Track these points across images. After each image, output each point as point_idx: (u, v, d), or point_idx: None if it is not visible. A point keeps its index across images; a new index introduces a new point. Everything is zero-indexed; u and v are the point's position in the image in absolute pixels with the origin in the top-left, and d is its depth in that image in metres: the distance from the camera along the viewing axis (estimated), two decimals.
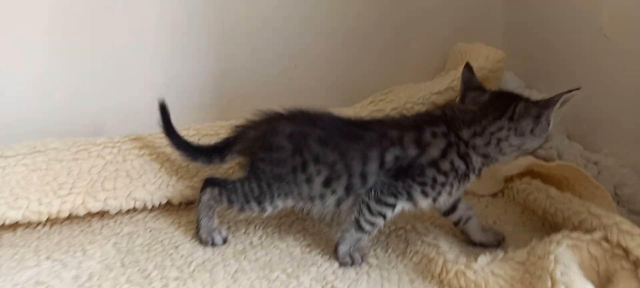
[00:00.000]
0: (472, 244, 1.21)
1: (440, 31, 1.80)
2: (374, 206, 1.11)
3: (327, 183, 1.12)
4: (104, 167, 1.35)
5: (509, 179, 1.43)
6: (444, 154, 1.08)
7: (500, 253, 1.09)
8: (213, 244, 1.21)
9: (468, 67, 1.17)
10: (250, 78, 1.67)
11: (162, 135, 1.41)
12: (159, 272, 1.13)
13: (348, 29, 1.72)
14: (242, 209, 1.20)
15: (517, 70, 1.81)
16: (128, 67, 1.56)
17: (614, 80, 1.47)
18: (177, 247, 1.22)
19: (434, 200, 1.11)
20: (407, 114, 1.21)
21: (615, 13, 1.44)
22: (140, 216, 1.36)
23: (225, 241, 1.22)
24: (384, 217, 1.12)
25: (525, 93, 1.68)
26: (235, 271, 1.13)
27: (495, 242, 1.20)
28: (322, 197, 1.14)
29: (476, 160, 1.10)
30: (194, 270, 1.13)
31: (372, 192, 1.10)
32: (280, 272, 1.12)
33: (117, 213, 1.35)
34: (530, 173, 1.40)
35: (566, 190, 1.30)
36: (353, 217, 1.13)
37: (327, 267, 1.14)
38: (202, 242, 1.22)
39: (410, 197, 1.11)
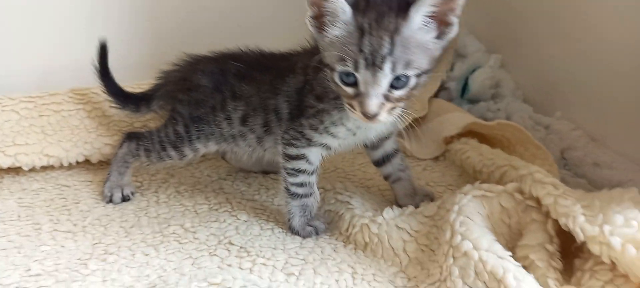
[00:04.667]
0: (397, 206, 1.11)
1: None
2: (287, 165, 1.01)
3: (244, 120, 1.05)
4: (17, 122, 1.29)
5: (449, 141, 1.33)
6: (316, 73, 0.93)
7: (410, 208, 1.00)
8: (111, 201, 1.14)
9: None
10: (189, 39, 1.59)
11: (83, 91, 1.36)
12: (52, 225, 1.06)
13: None
14: (159, 158, 1.14)
15: (479, 33, 1.70)
16: (46, 26, 1.48)
17: (575, 43, 1.35)
18: (78, 203, 1.15)
19: (329, 133, 0.95)
20: None
21: None
22: (55, 174, 1.30)
23: (125, 199, 1.15)
24: (303, 171, 1.00)
25: (485, 57, 1.59)
26: (131, 226, 1.06)
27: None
28: (242, 135, 1.06)
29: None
30: (87, 225, 1.06)
31: (280, 149, 1.01)
32: (177, 227, 1.05)
33: (31, 171, 1.29)
34: (470, 133, 1.30)
35: (506, 151, 1.20)
36: (283, 187, 1.03)
37: (230, 223, 1.06)
38: (103, 197, 1.16)
39: (307, 139, 0.97)
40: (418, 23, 0.79)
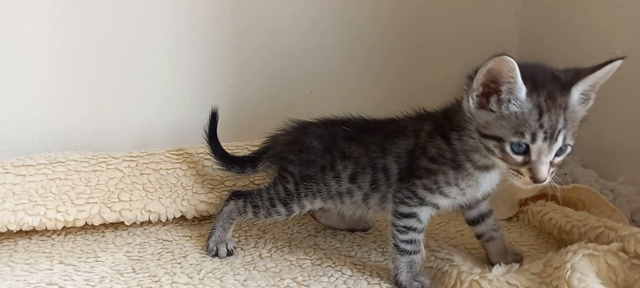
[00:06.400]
0: (489, 264, 1.18)
1: (454, 58, 1.82)
2: (398, 222, 1.09)
3: (353, 178, 1.14)
4: (121, 180, 1.38)
5: (523, 203, 1.41)
6: (430, 136, 1.05)
7: (515, 266, 1.06)
8: (216, 255, 1.21)
9: None
10: (265, 104, 1.71)
11: (178, 151, 1.46)
12: (169, 277, 1.12)
13: (363, 57, 1.77)
14: (268, 214, 1.22)
15: None
16: (144, 90, 1.61)
17: (628, 108, 1.47)
18: (186, 257, 1.22)
19: (442, 193, 1.05)
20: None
21: (627, 44, 1.46)
22: (153, 229, 1.37)
23: (229, 254, 1.22)
24: (414, 229, 1.08)
25: None
26: (245, 279, 1.12)
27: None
28: (349, 193, 1.15)
29: (458, 143, 1.01)
30: (203, 277, 1.13)
31: (392, 207, 1.10)
32: (290, 281, 1.11)
33: (131, 225, 1.37)
34: (544, 196, 1.38)
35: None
36: (392, 243, 1.10)
37: (338, 277, 1.13)
38: (208, 251, 1.23)
39: (420, 199, 1.06)
40: (577, 99, 0.94)
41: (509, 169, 0.95)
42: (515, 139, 0.91)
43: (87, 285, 1.10)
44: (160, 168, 1.42)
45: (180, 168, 1.43)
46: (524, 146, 0.91)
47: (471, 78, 0.96)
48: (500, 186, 1.47)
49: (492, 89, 0.93)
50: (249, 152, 1.42)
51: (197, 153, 1.47)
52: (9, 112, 1.50)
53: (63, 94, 1.54)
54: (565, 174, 1.51)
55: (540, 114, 0.90)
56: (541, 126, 0.90)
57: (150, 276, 1.13)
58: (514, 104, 0.91)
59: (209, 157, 1.46)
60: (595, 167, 1.55)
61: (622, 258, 0.97)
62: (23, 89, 1.51)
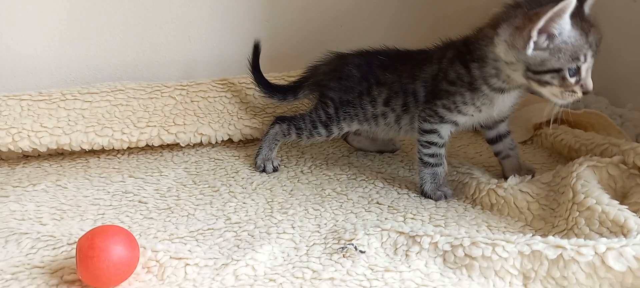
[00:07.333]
0: (505, 179, 1.33)
1: None
2: (422, 138, 1.25)
3: (387, 102, 1.29)
4: (174, 106, 1.54)
5: (537, 127, 1.55)
6: (451, 62, 1.19)
7: (528, 177, 1.22)
8: (264, 171, 1.39)
9: None
10: (297, 38, 1.83)
11: (223, 81, 1.61)
12: (226, 188, 1.31)
13: None
14: (310, 135, 1.38)
15: None
16: (187, 25, 1.74)
17: (637, 44, 1.57)
18: (237, 172, 1.40)
19: (460, 112, 1.19)
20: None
21: None
22: (204, 150, 1.55)
23: (275, 170, 1.39)
24: (435, 144, 1.23)
25: None
26: (291, 190, 1.30)
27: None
28: (384, 115, 1.30)
29: (478, 72, 1.14)
30: (255, 188, 1.31)
31: (417, 125, 1.25)
32: (330, 191, 1.28)
33: (185, 146, 1.54)
34: (557, 121, 1.51)
35: None
36: (417, 158, 1.26)
37: (371, 188, 1.30)
38: (256, 167, 1.40)
39: (440, 117, 1.21)
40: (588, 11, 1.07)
41: (564, 93, 1.06)
42: (572, 65, 1.03)
43: (157, 193, 1.28)
44: (208, 96, 1.58)
45: (225, 96, 1.59)
46: (575, 69, 1.03)
47: (518, 28, 1.04)
48: (515, 113, 1.64)
49: (540, 30, 1.02)
50: (286, 82, 1.57)
51: (239, 83, 1.61)
52: (70, 47, 1.65)
53: (115, 30, 1.67)
54: (579, 100, 1.63)
55: (587, 35, 1.03)
56: (590, 45, 1.03)
57: (209, 186, 1.31)
58: (565, 37, 1.02)
59: (250, 86, 1.61)
60: (606, 94, 1.67)
61: (621, 169, 1.12)
62: (80, 27, 1.64)
